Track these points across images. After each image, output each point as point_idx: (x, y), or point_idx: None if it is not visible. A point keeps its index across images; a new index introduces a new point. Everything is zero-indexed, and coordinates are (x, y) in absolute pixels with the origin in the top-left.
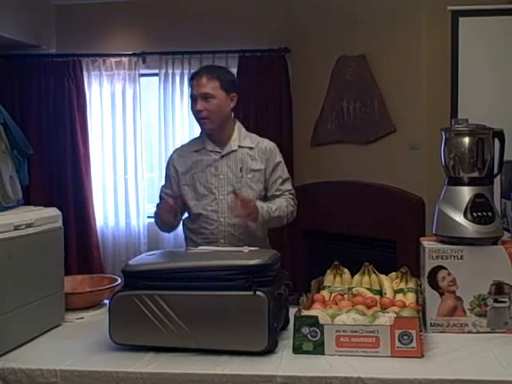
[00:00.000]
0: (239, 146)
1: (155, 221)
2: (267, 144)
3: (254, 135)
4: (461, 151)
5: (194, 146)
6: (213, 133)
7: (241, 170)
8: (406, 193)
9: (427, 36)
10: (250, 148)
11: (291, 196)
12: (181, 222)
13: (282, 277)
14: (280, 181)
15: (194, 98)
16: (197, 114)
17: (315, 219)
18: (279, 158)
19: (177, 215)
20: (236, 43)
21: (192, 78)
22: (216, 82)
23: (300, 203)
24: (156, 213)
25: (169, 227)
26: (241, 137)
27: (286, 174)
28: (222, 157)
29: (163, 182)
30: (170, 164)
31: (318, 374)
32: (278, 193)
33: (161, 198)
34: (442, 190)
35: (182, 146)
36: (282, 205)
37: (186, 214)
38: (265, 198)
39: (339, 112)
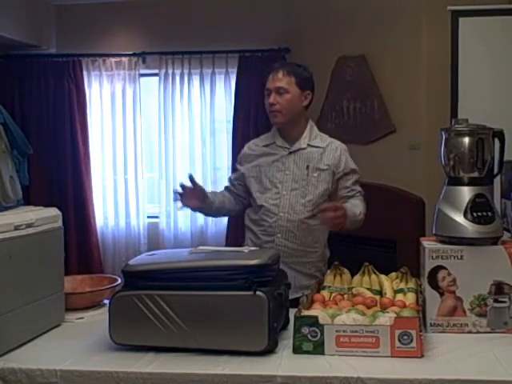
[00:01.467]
0: (308, 145)
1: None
2: (338, 145)
3: (326, 135)
4: (461, 151)
5: (265, 140)
6: (283, 127)
7: (307, 168)
8: (406, 193)
9: (427, 36)
10: (320, 148)
11: (362, 198)
12: (237, 207)
13: (282, 277)
14: (352, 181)
15: (267, 92)
16: (269, 107)
17: None
18: (350, 159)
19: (205, 199)
20: (236, 43)
21: (268, 75)
22: (292, 77)
23: None
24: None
25: (217, 213)
26: (311, 135)
27: (356, 175)
28: (290, 153)
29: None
30: (241, 158)
31: (318, 374)
32: (351, 193)
33: (227, 187)
34: (442, 190)
35: (254, 140)
36: (362, 207)
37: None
38: (329, 198)
39: (339, 112)
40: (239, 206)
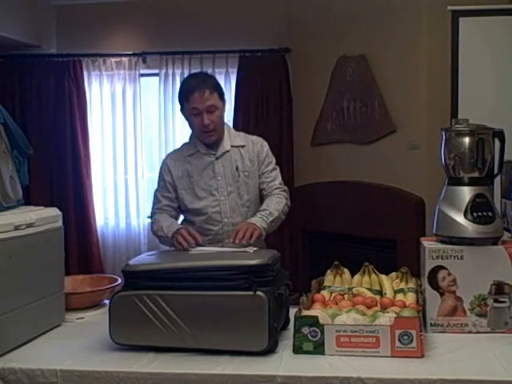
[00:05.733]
0: (232, 146)
1: (152, 228)
2: (255, 139)
3: (243, 133)
4: (461, 151)
5: (187, 150)
6: (214, 142)
7: (237, 169)
8: (406, 193)
9: (427, 36)
10: (242, 146)
11: (281, 188)
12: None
13: (282, 277)
14: (268, 172)
15: (197, 113)
16: (204, 128)
17: (315, 219)
18: (266, 150)
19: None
20: (236, 43)
21: (191, 92)
22: (215, 93)
23: (300, 203)
24: (152, 220)
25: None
26: (231, 137)
27: (273, 165)
28: (217, 158)
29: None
30: (164, 169)
31: (318, 373)
32: (267, 180)
33: (156, 198)
34: (442, 189)
35: (175, 151)
36: (273, 205)
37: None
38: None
39: (339, 112)
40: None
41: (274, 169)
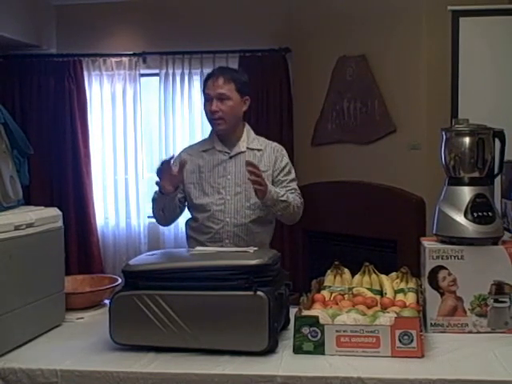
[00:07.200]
0: (248, 148)
1: (153, 210)
2: (275, 146)
3: (263, 138)
4: (461, 151)
5: (203, 145)
6: (224, 134)
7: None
8: (406, 193)
9: (427, 36)
10: (259, 150)
11: (298, 195)
12: (180, 214)
13: (282, 277)
14: (286, 181)
15: (208, 99)
16: (211, 115)
17: (315, 219)
18: (286, 159)
19: (177, 189)
20: (236, 43)
21: (208, 78)
22: (232, 84)
23: None
24: (154, 199)
25: (168, 212)
26: (249, 139)
27: (292, 175)
28: (231, 157)
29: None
30: (176, 161)
31: (319, 374)
32: (286, 188)
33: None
34: (443, 189)
35: (191, 146)
36: (288, 194)
37: (187, 215)
38: None
39: (339, 112)
40: (180, 214)
41: (294, 180)
